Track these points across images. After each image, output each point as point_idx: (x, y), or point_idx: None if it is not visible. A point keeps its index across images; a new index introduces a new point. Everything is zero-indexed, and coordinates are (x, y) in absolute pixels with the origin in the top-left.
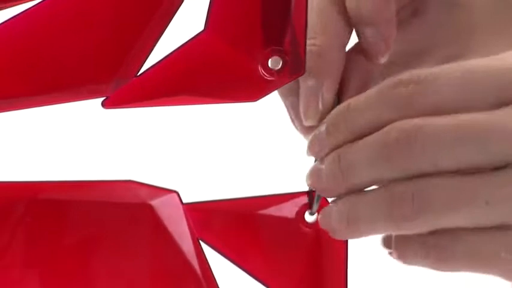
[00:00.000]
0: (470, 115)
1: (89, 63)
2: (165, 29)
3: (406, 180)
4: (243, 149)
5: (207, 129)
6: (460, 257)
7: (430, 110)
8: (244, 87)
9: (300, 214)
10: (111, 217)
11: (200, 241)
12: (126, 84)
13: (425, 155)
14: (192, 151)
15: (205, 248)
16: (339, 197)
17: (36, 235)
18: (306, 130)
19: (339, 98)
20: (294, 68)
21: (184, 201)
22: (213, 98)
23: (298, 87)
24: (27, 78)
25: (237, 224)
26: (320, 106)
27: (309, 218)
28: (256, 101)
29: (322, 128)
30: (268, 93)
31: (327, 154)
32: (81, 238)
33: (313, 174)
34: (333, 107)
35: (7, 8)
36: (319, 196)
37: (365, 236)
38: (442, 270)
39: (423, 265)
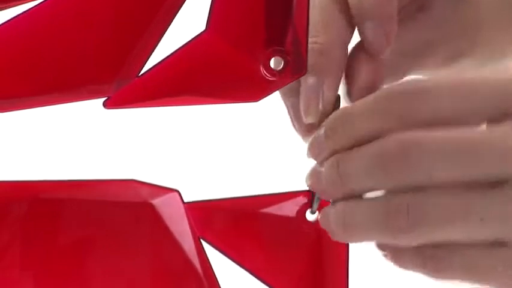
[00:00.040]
0: (466, 130)
1: (90, 63)
2: (166, 29)
3: (402, 192)
4: (244, 148)
5: (208, 129)
6: (457, 269)
7: (427, 121)
8: (246, 87)
9: (301, 213)
10: (112, 216)
11: (201, 240)
12: (128, 85)
13: (421, 169)
14: (193, 150)
15: (206, 246)
16: (337, 200)
17: (38, 234)
18: (305, 132)
19: (339, 99)
20: (296, 68)
21: (185, 200)
22: (214, 98)
23: (299, 88)
24: (29, 79)
25: (237, 222)
26: (320, 105)
27: (310, 216)
28: (258, 101)
29: (321, 131)
30: (270, 94)
31: (326, 158)
32: (83, 237)
33: (313, 176)
34: (333, 106)
35: (8, 8)
36: (319, 196)
37: (362, 241)
38: (439, 280)
39: (420, 273)
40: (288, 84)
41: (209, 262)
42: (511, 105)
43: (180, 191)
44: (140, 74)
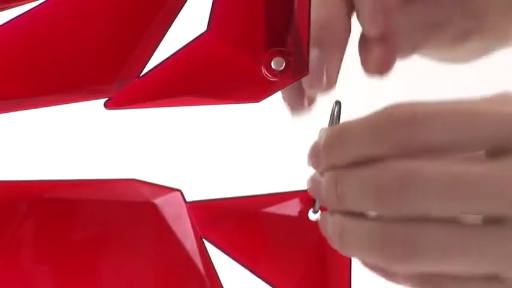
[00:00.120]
0: (465, 165)
1: (91, 64)
2: (167, 30)
3: (398, 222)
4: (246, 148)
5: (210, 129)
6: None
7: (426, 149)
8: (247, 88)
9: (303, 212)
10: (114, 216)
11: (203, 239)
12: (129, 85)
13: (417, 203)
14: (195, 150)
15: (209, 246)
16: (335, 212)
17: (41, 234)
18: (293, 111)
19: (340, 105)
20: (297, 68)
21: (187, 199)
22: (216, 98)
23: None
24: (30, 79)
25: (240, 222)
26: (324, 78)
27: (312, 216)
28: (259, 101)
29: (320, 142)
30: (271, 94)
31: (325, 170)
32: (85, 237)
33: (313, 183)
34: (335, 78)
35: (10, 8)
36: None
37: (357, 258)
38: None
39: None
40: None
41: (211, 261)
42: (506, 142)
43: (182, 190)
44: (141, 75)
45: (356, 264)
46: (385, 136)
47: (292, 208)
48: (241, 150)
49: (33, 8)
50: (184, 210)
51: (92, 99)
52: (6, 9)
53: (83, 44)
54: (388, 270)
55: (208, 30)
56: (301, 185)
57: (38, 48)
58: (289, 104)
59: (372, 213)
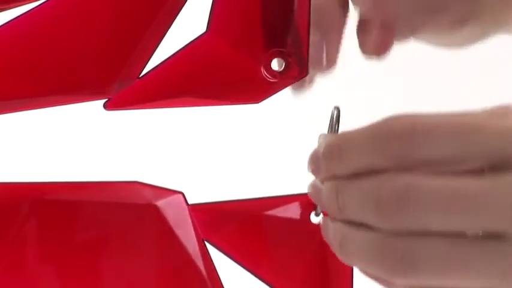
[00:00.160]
0: (463, 181)
1: (91, 65)
2: (167, 31)
3: (398, 235)
4: (248, 150)
5: (211, 131)
6: None
7: (425, 163)
8: (247, 88)
9: (305, 215)
10: (116, 218)
11: (205, 242)
12: (129, 86)
13: (416, 218)
14: (197, 152)
15: (211, 248)
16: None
17: (43, 235)
18: (294, 91)
19: (339, 111)
20: (297, 69)
21: (189, 202)
22: (215, 99)
23: None
24: (30, 80)
25: (242, 225)
26: (324, 61)
27: (315, 219)
28: (259, 102)
29: (320, 150)
30: (271, 95)
31: (325, 179)
32: (87, 239)
33: (314, 191)
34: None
35: (9, 9)
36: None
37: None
38: None
39: None
40: None
41: (213, 264)
42: (505, 158)
43: (184, 192)
44: (141, 76)
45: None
46: (385, 149)
47: (294, 211)
48: (243, 152)
49: (33, 8)
50: (186, 213)
51: (91, 100)
52: (6, 9)
53: (82, 44)
54: (388, 281)
55: (207, 31)
56: (303, 187)
57: (38, 48)
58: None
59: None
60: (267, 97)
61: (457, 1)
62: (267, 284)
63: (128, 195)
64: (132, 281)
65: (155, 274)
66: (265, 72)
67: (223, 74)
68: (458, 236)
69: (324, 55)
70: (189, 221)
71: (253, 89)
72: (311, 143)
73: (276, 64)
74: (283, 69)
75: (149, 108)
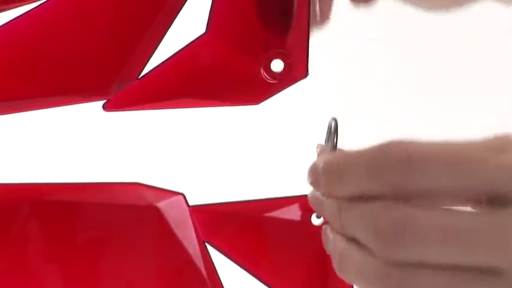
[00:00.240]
0: (459, 215)
1: (91, 66)
2: (166, 31)
3: (396, 264)
4: (248, 152)
5: (211, 132)
6: None
7: (420, 193)
8: (246, 90)
9: (306, 217)
10: (117, 219)
11: (206, 243)
12: (128, 87)
13: (413, 250)
14: (197, 154)
15: (211, 250)
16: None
17: (44, 236)
18: None
19: (336, 123)
20: (296, 70)
21: (190, 203)
22: (215, 100)
23: None
24: (29, 81)
25: (242, 226)
26: (318, 15)
27: (315, 221)
28: (258, 103)
29: (319, 165)
30: (270, 96)
31: (326, 195)
32: (88, 239)
33: (315, 201)
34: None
35: (9, 9)
36: None
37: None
38: None
39: None
40: None
41: (214, 265)
42: (503, 192)
43: (185, 194)
44: (140, 77)
45: None
46: (381, 177)
47: (294, 213)
48: (243, 154)
49: (32, 9)
50: (187, 214)
51: (91, 101)
52: (6, 10)
53: (82, 45)
54: None
55: (207, 32)
56: (304, 189)
57: (37, 49)
58: None
59: None
60: (266, 98)
61: None
62: (267, 285)
63: (129, 196)
64: (132, 281)
65: (156, 274)
66: (265, 74)
67: (223, 75)
68: (455, 268)
69: (318, 10)
70: (190, 222)
71: (252, 90)
72: (311, 144)
73: (275, 65)
74: (283, 70)
75: (148, 109)
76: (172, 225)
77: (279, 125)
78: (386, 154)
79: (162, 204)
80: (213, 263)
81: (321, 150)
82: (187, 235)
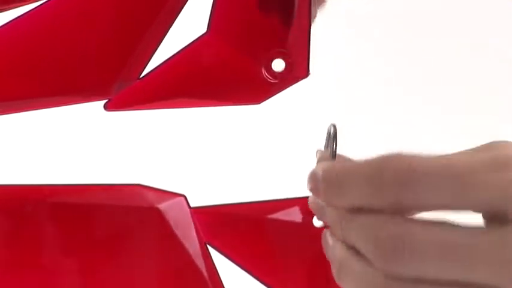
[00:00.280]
0: (458, 232)
1: (91, 66)
2: (167, 31)
3: (394, 279)
4: (249, 152)
5: (213, 133)
6: None
7: (420, 209)
8: (247, 89)
9: (308, 219)
10: (118, 220)
11: (207, 245)
12: (129, 87)
13: (411, 266)
14: (199, 155)
15: (213, 252)
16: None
17: (44, 237)
18: None
19: (335, 131)
20: (298, 70)
21: (191, 205)
22: (216, 100)
23: None
24: (30, 81)
25: (244, 228)
26: None
27: (317, 223)
28: (259, 103)
29: (318, 172)
30: (271, 96)
31: (326, 204)
32: (89, 240)
33: (316, 207)
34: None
35: (9, 9)
36: None
37: None
38: None
39: None
40: None
41: (215, 267)
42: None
43: (186, 195)
44: (141, 76)
45: None
46: (381, 192)
47: (296, 214)
48: (244, 154)
49: (33, 9)
50: (188, 216)
51: (92, 101)
52: (6, 10)
53: (83, 45)
54: None
55: (208, 32)
56: (306, 191)
57: (38, 49)
58: None
59: None
60: (267, 98)
61: None
62: (269, 287)
63: (130, 198)
64: (133, 282)
65: (157, 276)
66: (266, 73)
67: (224, 74)
68: (454, 284)
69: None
70: (191, 223)
71: (254, 89)
72: (313, 144)
73: (276, 65)
74: (284, 70)
75: (150, 109)
76: (174, 226)
77: (280, 125)
78: (386, 169)
79: (163, 206)
80: (214, 265)
81: (320, 157)
82: (189, 236)
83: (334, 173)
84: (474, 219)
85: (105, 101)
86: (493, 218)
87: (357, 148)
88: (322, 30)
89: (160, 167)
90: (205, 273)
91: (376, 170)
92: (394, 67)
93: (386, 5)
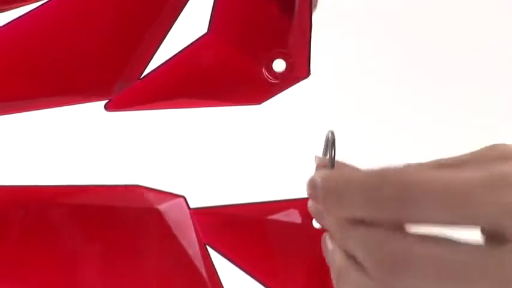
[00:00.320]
0: (456, 250)
1: (92, 66)
2: (168, 31)
3: None
4: (249, 153)
5: (213, 134)
6: None
7: (419, 222)
8: (248, 89)
9: (308, 220)
10: (118, 221)
11: (207, 246)
12: (130, 87)
13: (409, 281)
14: (199, 156)
15: (212, 253)
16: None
17: (44, 238)
18: None
19: (334, 139)
20: (298, 70)
21: (191, 206)
22: (217, 101)
23: None
24: (31, 81)
25: (244, 229)
26: None
27: (317, 224)
28: (260, 103)
29: (317, 180)
30: (272, 96)
31: (325, 213)
32: (88, 241)
33: (315, 211)
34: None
35: (10, 9)
36: None
37: None
38: None
39: None
40: None
41: (215, 268)
42: (510, 223)
43: (186, 196)
44: (142, 77)
45: None
46: (380, 208)
47: (296, 216)
48: (244, 155)
49: (34, 9)
50: (188, 217)
51: (93, 101)
52: (7, 10)
53: (84, 45)
54: None
55: (209, 32)
56: (305, 192)
57: (39, 49)
58: None
59: None
60: (268, 98)
61: None
62: None
63: (130, 199)
64: (133, 283)
65: (156, 277)
66: (267, 73)
67: (225, 75)
68: None
69: None
70: (191, 225)
71: (254, 90)
72: (312, 145)
73: (277, 65)
74: (284, 70)
75: (150, 109)
76: (173, 227)
77: (280, 126)
78: (386, 184)
79: (162, 207)
80: (213, 266)
81: (319, 164)
82: (188, 237)
83: (333, 182)
84: (476, 234)
85: (105, 101)
86: (492, 236)
87: (356, 148)
88: (322, 30)
89: (160, 168)
90: (204, 274)
91: (376, 185)
92: (394, 67)
93: (387, 5)
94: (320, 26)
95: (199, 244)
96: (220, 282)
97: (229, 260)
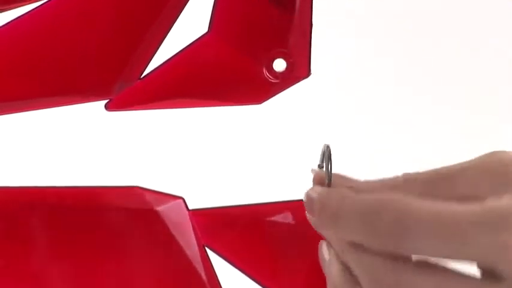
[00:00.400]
0: (452, 285)
1: (92, 66)
2: (168, 31)
3: None
4: (249, 154)
5: (213, 135)
6: None
7: (417, 254)
8: (248, 89)
9: (307, 222)
10: (117, 222)
11: (206, 247)
12: (130, 87)
13: None
14: (198, 157)
15: (211, 254)
16: None
17: (44, 239)
18: None
19: (330, 152)
20: (299, 70)
21: (190, 207)
22: (217, 100)
23: None
24: (31, 81)
25: (243, 230)
26: None
27: None
28: (260, 103)
29: (313, 195)
30: (272, 96)
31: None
32: (88, 242)
33: (314, 223)
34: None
35: (10, 9)
36: None
37: None
38: None
39: None
40: None
41: (213, 269)
42: (505, 264)
43: (184, 198)
44: (142, 77)
45: None
46: (378, 238)
47: (295, 217)
48: (244, 156)
49: (34, 9)
50: (187, 218)
51: (93, 101)
52: (6, 10)
53: (84, 45)
54: None
55: (209, 31)
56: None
57: (39, 49)
58: None
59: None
60: (269, 98)
61: None
62: None
63: (129, 200)
64: (132, 284)
65: (155, 278)
66: (267, 73)
67: (225, 74)
68: None
69: None
70: (190, 226)
71: (255, 89)
72: (313, 146)
73: (277, 65)
74: (285, 70)
75: (150, 109)
76: (172, 229)
77: (281, 126)
78: (384, 215)
79: (162, 208)
80: (212, 267)
81: (315, 177)
82: (187, 239)
83: (329, 201)
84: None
85: (106, 101)
86: (488, 272)
87: (357, 148)
88: (322, 30)
89: (159, 169)
90: (203, 275)
91: (374, 214)
92: (394, 67)
93: (387, 5)
94: (320, 26)
95: (198, 245)
96: (219, 283)
97: (228, 261)
